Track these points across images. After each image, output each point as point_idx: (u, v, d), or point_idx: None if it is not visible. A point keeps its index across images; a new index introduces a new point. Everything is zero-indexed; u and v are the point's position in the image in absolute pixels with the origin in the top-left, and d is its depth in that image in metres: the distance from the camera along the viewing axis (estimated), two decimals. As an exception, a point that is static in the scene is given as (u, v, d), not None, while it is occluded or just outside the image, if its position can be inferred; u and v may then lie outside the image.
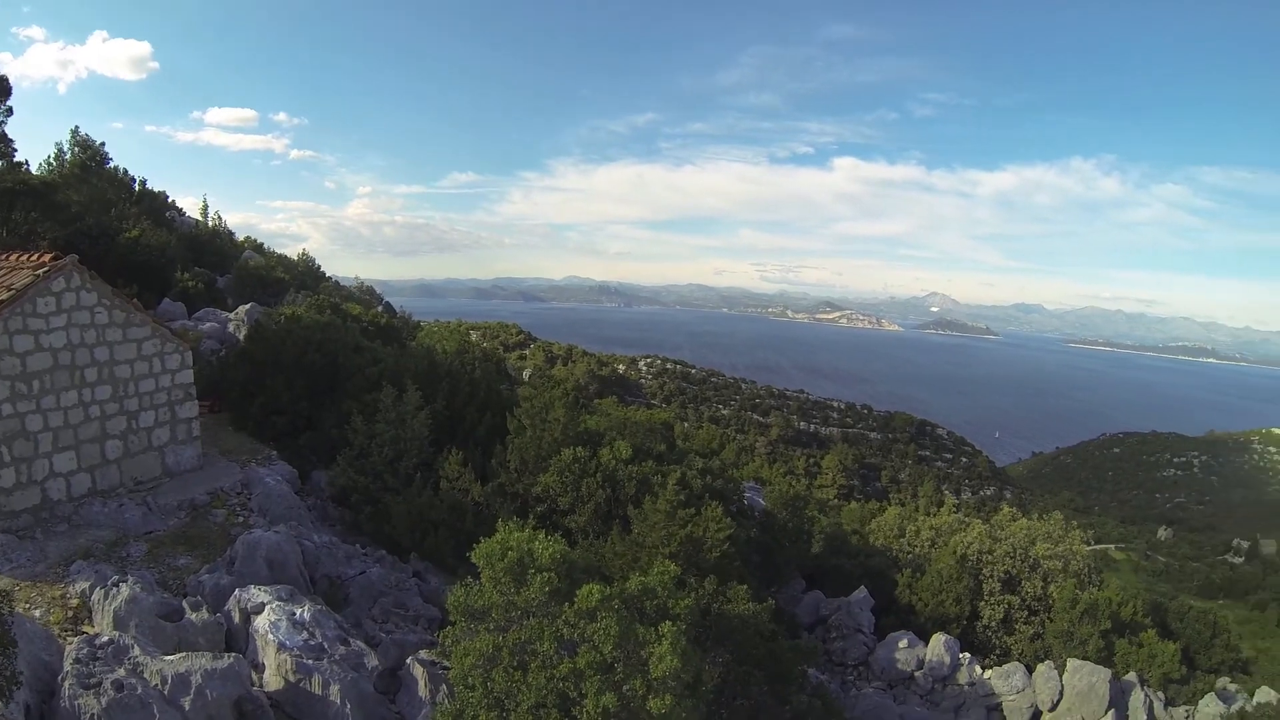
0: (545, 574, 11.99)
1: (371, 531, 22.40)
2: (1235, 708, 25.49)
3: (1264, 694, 27.52)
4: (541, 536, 13.05)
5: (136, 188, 52.27)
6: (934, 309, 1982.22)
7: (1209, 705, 26.44)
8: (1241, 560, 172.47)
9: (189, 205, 63.39)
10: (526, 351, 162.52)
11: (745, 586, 18.82)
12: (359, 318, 39.34)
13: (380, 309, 57.21)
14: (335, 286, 59.55)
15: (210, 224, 59.20)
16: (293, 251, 62.22)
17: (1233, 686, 30.14)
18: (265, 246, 61.40)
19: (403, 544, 21.85)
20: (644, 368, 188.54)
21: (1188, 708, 27.01)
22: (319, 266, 61.37)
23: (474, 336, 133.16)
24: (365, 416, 24.04)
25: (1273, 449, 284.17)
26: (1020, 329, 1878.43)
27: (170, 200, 56.91)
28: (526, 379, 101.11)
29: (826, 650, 26.76)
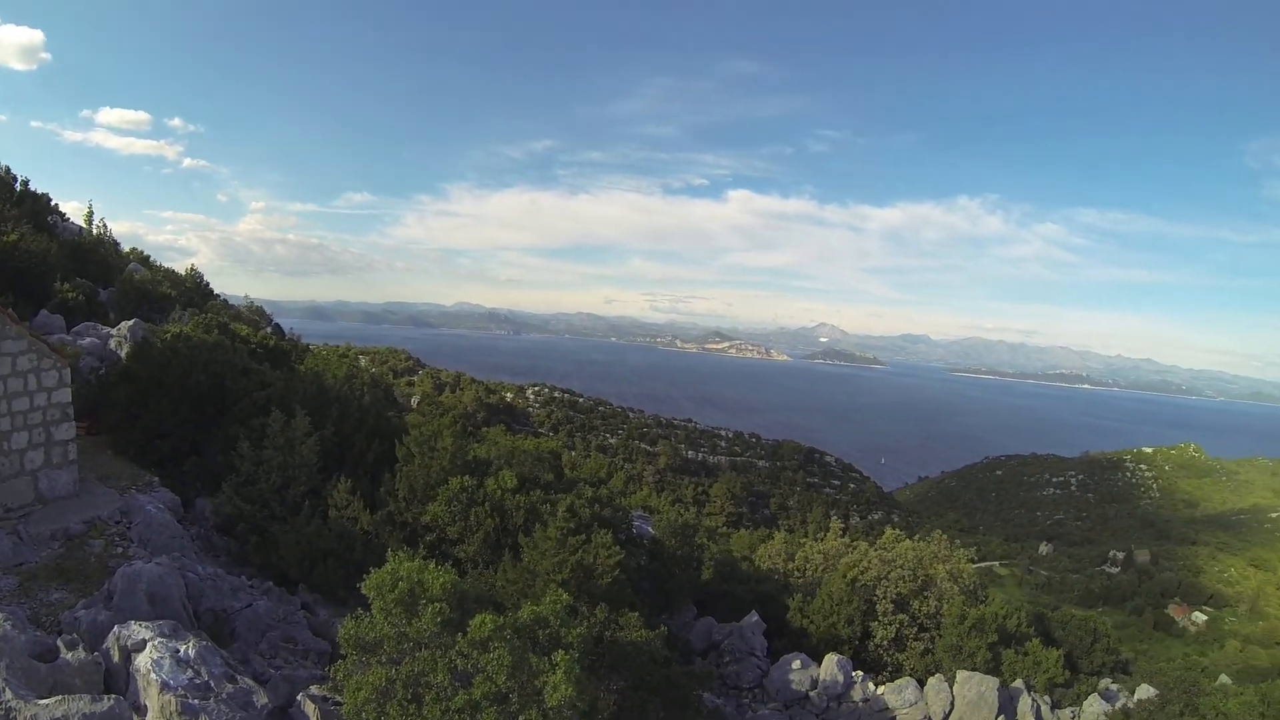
0: (437, 604, 11.72)
1: (258, 562, 21.44)
2: (1118, 705, 26.73)
3: (1143, 691, 28.98)
4: (432, 566, 12.79)
5: (18, 188, 50.12)
6: (823, 339, 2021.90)
7: (1093, 705, 27.70)
8: (1118, 570, 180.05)
9: (73, 210, 60.98)
10: (415, 378, 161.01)
11: (637, 614, 18.74)
12: (247, 339, 38.39)
13: (269, 330, 55.80)
14: (224, 305, 57.85)
15: (95, 232, 56.78)
16: (181, 266, 60.05)
17: (1114, 686, 31.64)
18: (152, 259, 59.17)
19: (291, 575, 21.01)
20: (532, 396, 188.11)
21: (1073, 709, 28.20)
22: (207, 283, 59.48)
23: (363, 361, 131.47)
24: (252, 442, 23.25)
25: (1144, 466, 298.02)
26: (907, 359, 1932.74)
27: (53, 204, 54.52)
28: (415, 406, 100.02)
29: (721, 674, 26.81)
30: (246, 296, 68.62)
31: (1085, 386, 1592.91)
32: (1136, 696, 28.55)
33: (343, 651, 12.10)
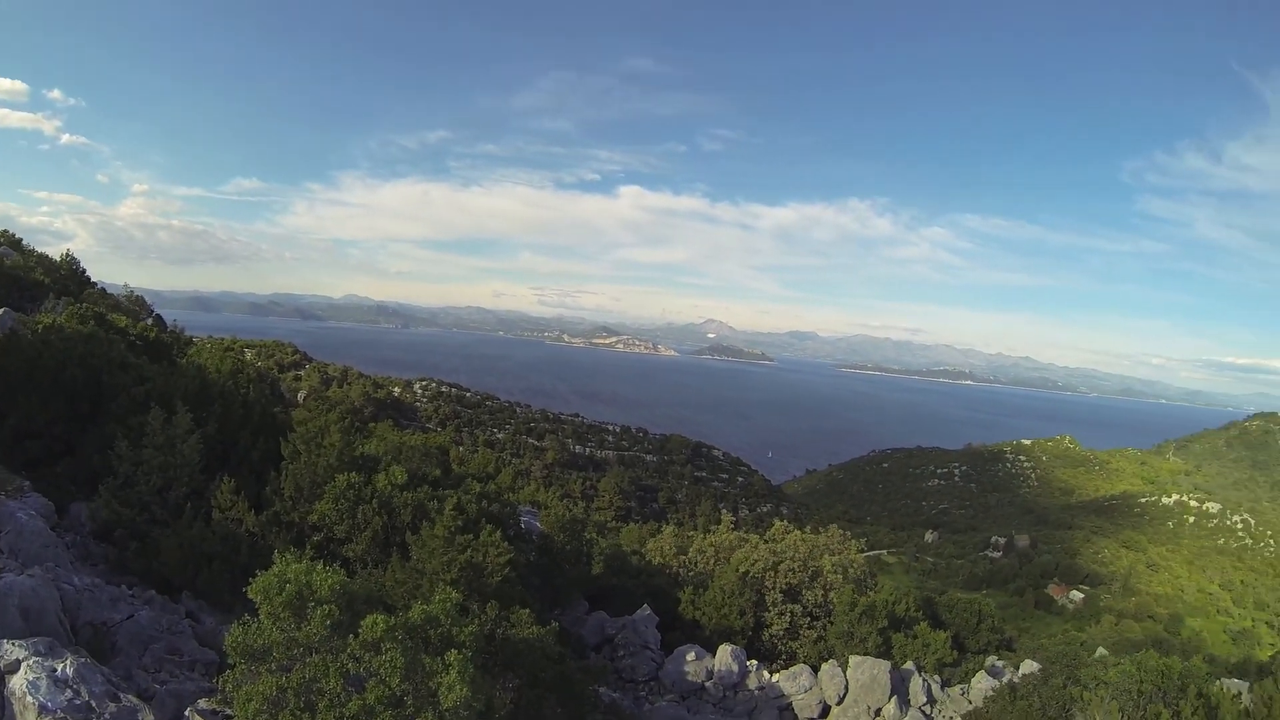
0: (326, 606, 11.24)
1: (139, 569, 20.28)
2: (1004, 680, 27.18)
3: (1027, 666, 29.59)
4: (320, 567, 12.33)
5: None
6: (711, 335, 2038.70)
7: (980, 681, 28.23)
8: (1000, 555, 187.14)
9: (-64, 190, 57.85)
10: (302, 372, 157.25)
11: (528, 610, 18.52)
12: (126, 331, 37.07)
13: (150, 322, 53.88)
14: (102, 294, 55.42)
15: (-38, 213, 53.79)
16: (56, 251, 57.13)
17: (1000, 663, 32.30)
18: (24, 243, 56.46)
19: (174, 582, 19.81)
20: (419, 390, 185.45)
21: (962, 686, 28.85)
22: (84, 271, 56.98)
23: (249, 355, 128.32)
24: (131, 441, 22.16)
25: (1023, 457, 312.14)
26: (795, 355, 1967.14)
27: (-89, 181, 51.24)
28: (302, 401, 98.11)
29: (616, 668, 26.69)
30: (126, 285, 66.20)
31: (968, 383, 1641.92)
32: (1021, 671, 29.02)
33: (231, 661, 11.36)
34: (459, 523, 21.72)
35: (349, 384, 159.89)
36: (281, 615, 11.29)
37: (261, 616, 11.42)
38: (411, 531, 21.94)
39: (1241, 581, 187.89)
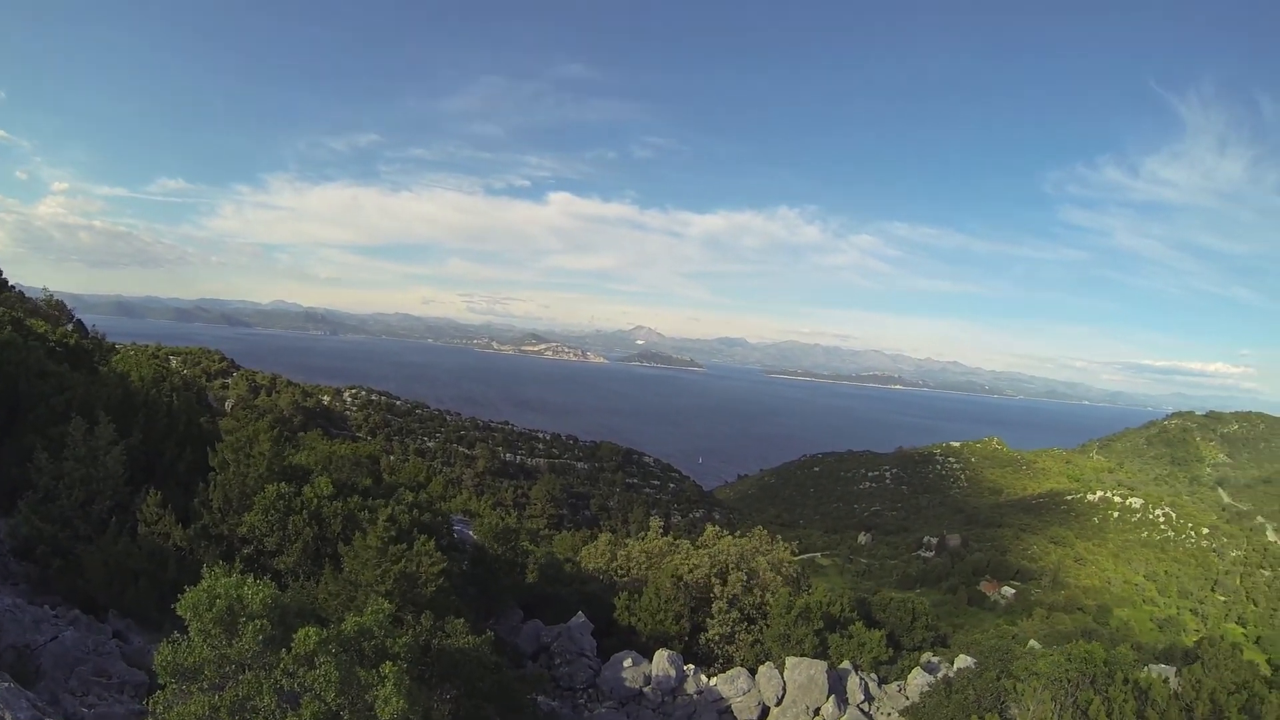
0: (258, 621, 10.91)
1: (63, 588, 19.61)
2: (939, 675, 27.70)
3: (962, 660, 30.37)
4: (250, 581, 12.05)
5: None
6: (640, 342, 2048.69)
7: (916, 677, 28.71)
8: (932, 554, 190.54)
9: None
10: (230, 380, 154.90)
11: (463, 620, 18.35)
12: (45, 337, 36.21)
13: (70, 328, 52.72)
14: (19, 298, 54.29)
15: None
16: None
17: (935, 659, 32.70)
18: None
19: (99, 600, 19.26)
20: (349, 399, 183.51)
21: (899, 682, 29.24)
22: (1, 273, 56.00)
23: (174, 363, 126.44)
24: (51, 453, 21.58)
25: (952, 459, 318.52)
26: (724, 361, 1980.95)
27: None
28: (230, 410, 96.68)
29: (553, 677, 26.49)
30: (45, 289, 65.14)
31: (897, 387, 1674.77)
32: (956, 666, 29.73)
33: (161, 681, 10.91)
34: (392, 533, 21.42)
35: (278, 392, 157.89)
36: (212, 632, 10.94)
37: (191, 634, 11.03)
38: (344, 542, 21.57)
39: (1165, 572, 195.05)
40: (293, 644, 10.84)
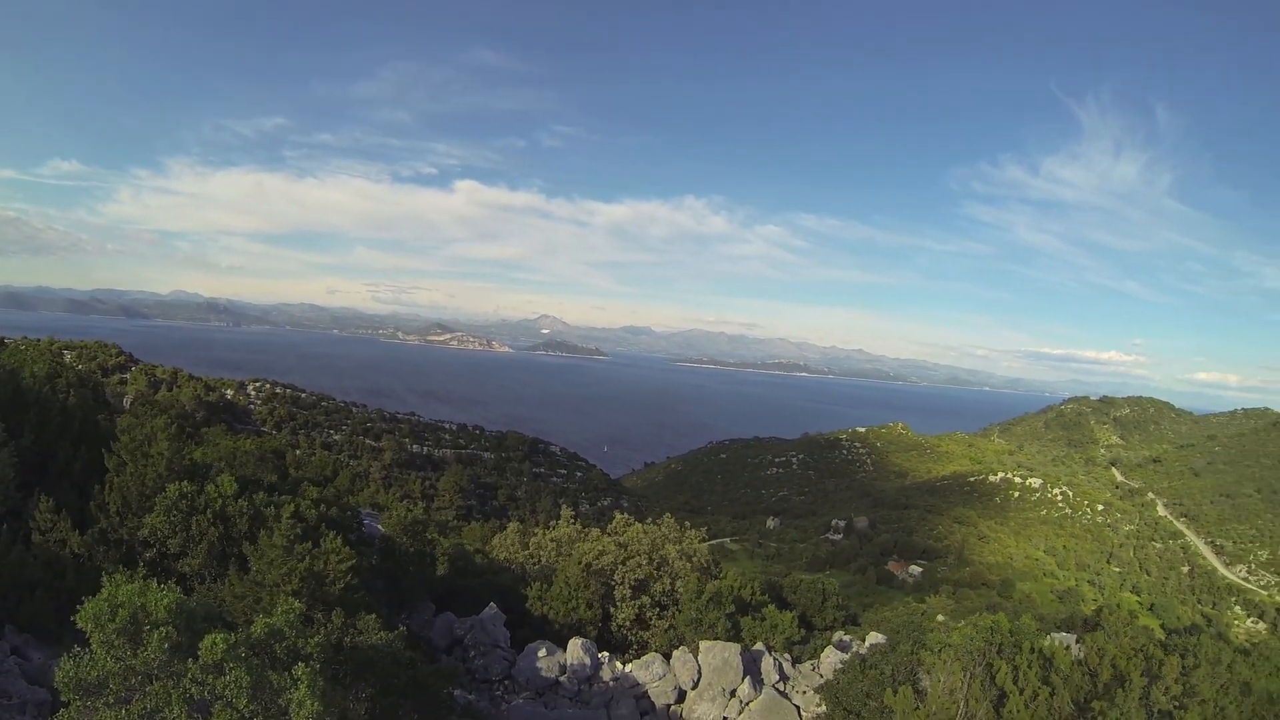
0: (163, 629, 10.51)
1: None
2: (853, 652, 28.13)
3: (874, 637, 30.97)
4: (154, 586, 11.61)
5: None
6: (545, 331, 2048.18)
7: (830, 656, 29.02)
8: (840, 537, 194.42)
9: None
10: (128, 375, 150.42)
11: (375, 616, 18.00)
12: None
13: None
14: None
15: None
16: None
17: (848, 637, 33.07)
18: None
19: None
20: (253, 392, 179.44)
21: (813, 661, 29.57)
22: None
23: (68, 357, 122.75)
24: (-67, 460, 20.87)
25: (858, 444, 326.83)
26: (630, 349, 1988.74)
27: None
28: (128, 407, 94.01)
29: (468, 670, 26.27)
30: (-74, 280, 62.38)
31: (803, 374, 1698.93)
32: (868, 643, 30.28)
33: (65, 698, 10.39)
34: (298, 530, 20.91)
35: (179, 387, 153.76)
36: (115, 643, 10.50)
37: (93, 646, 10.56)
38: (249, 541, 20.96)
39: (1064, 547, 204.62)
40: (201, 651, 10.48)
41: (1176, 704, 20.92)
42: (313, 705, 10.57)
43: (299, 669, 11.05)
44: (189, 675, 10.37)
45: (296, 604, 13.76)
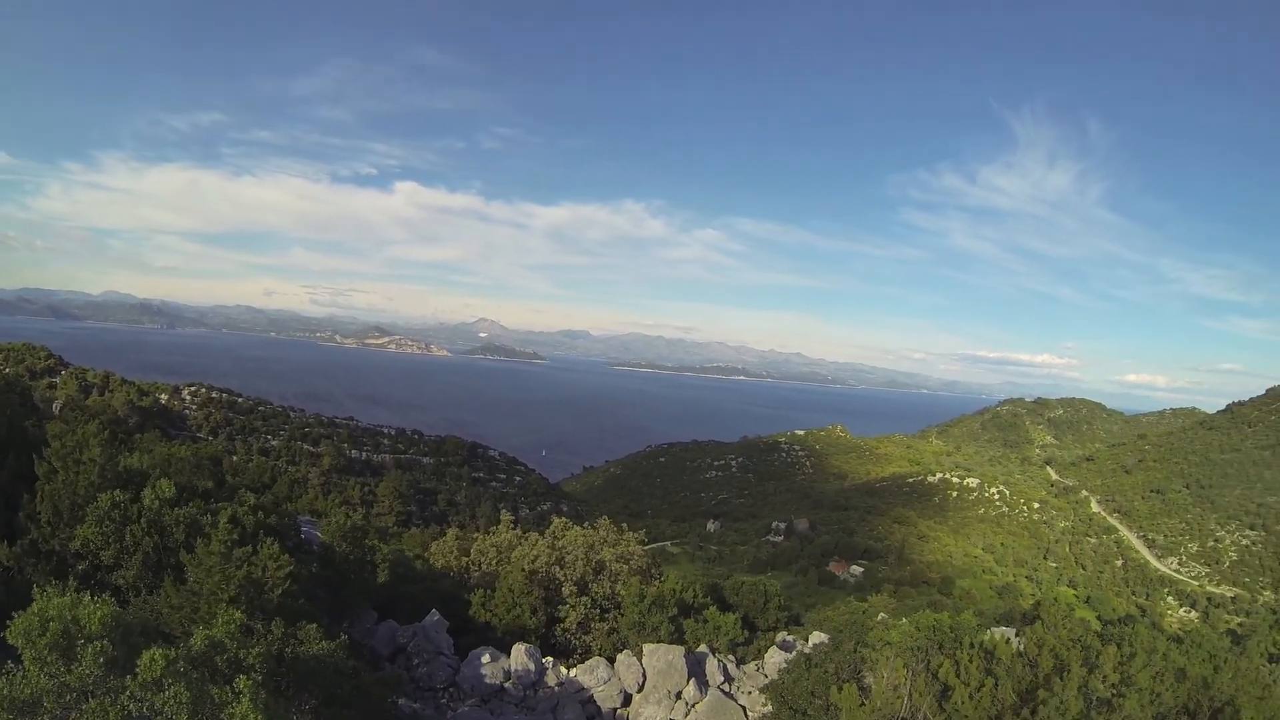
0: (98, 644, 10.12)
1: None
2: (796, 652, 28.38)
3: (816, 637, 31.65)
4: (87, 599, 11.21)
5: None
6: (483, 335, 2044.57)
7: (773, 656, 29.54)
8: (781, 538, 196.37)
9: None
10: (58, 379, 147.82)
11: (316, 625, 17.66)
12: None
13: None
14: None
15: None
16: None
17: (791, 637, 33.68)
18: None
19: None
20: (188, 397, 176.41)
21: (757, 662, 30.04)
22: None
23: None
24: None
25: (797, 447, 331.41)
26: (568, 353, 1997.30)
27: None
28: (58, 412, 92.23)
29: (412, 678, 25.97)
30: None
31: (741, 378, 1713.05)
32: (811, 642, 30.73)
33: None
34: (235, 537, 20.43)
35: (111, 391, 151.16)
36: (48, 659, 10.10)
37: (26, 663, 10.15)
38: (186, 551, 20.45)
39: (1002, 544, 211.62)
40: (139, 666, 10.14)
41: (1115, 692, 21.43)
42: (255, 718, 10.28)
43: (240, 682, 10.76)
44: (127, 692, 10.01)
45: (237, 614, 13.46)
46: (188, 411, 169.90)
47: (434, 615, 29.04)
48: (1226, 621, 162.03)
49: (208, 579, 19.03)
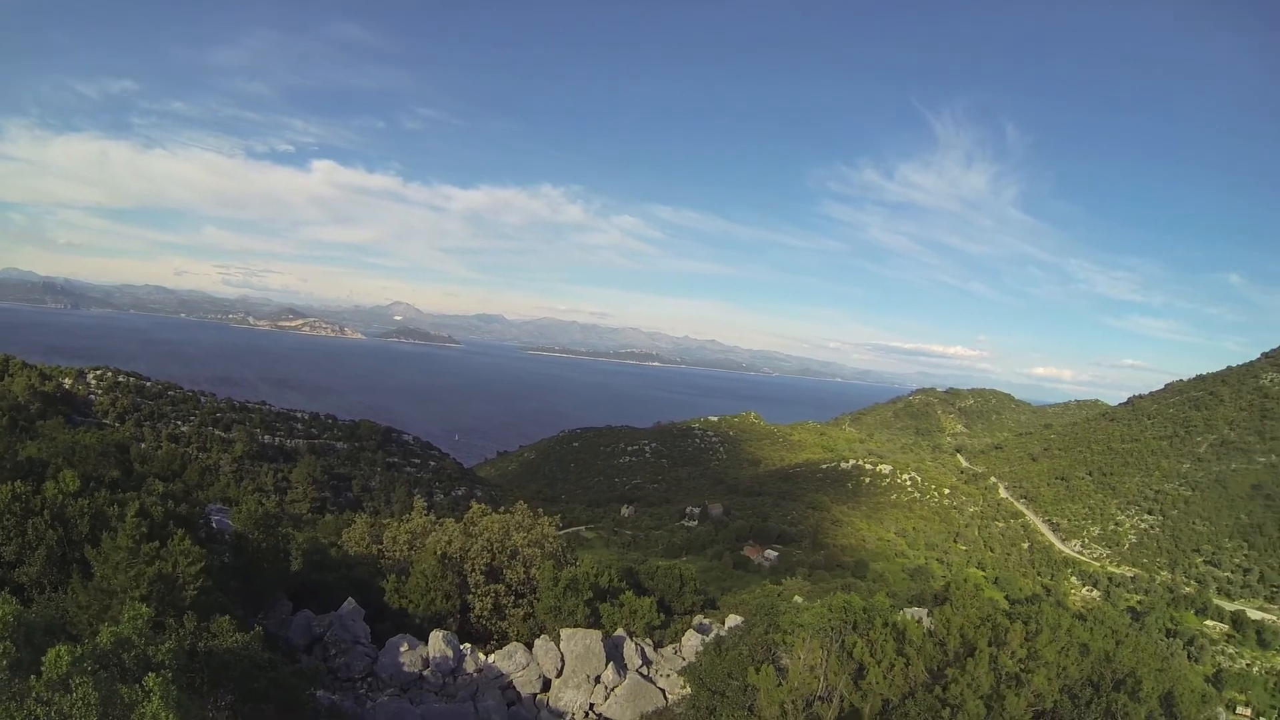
0: (0, 645, 9.90)
1: None
2: (711, 635, 28.76)
3: (732, 620, 32.68)
4: (-12, 598, 10.87)
5: None
6: (398, 318, 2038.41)
7: (690, 639, 30.14)
8: (696, 523, 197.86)
9: None
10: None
11: (229, 617, 17.21)
12: None
13: None
14: None
15: None
16: None
17: (707, 621, 34.61)
18: None
19: None
20: (94, 381, 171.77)
21: (674, 645, 30.56)
22: None
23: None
24: None
25: (711, 433, 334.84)
26: (482, 338, 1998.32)
27: None
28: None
29: (330, 669, 25.53)
30: None
31: (655, 364, 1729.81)
32: (727, 625, 31.53)
33: None
34: (144, 529, 19.87)
35: (11, 376, 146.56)
36: (-53, 661, 9.73)
37: (-77, 666, 9.79)
38: (92, 544, 19.84)
39: (913, 528, 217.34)
40: (44, 666, 9.77)
41: (1023, 666, 22.23)
42: (168, 717, 9.95)
43: (151, 680, 10.44)
44: (32, 694, 9.67)
45: (145, 609, 13.02)
46: (93, 397, 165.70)
47: (350, 604, 28.67)
48: (1126, 600, 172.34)
49: (116, 574, 18.46)
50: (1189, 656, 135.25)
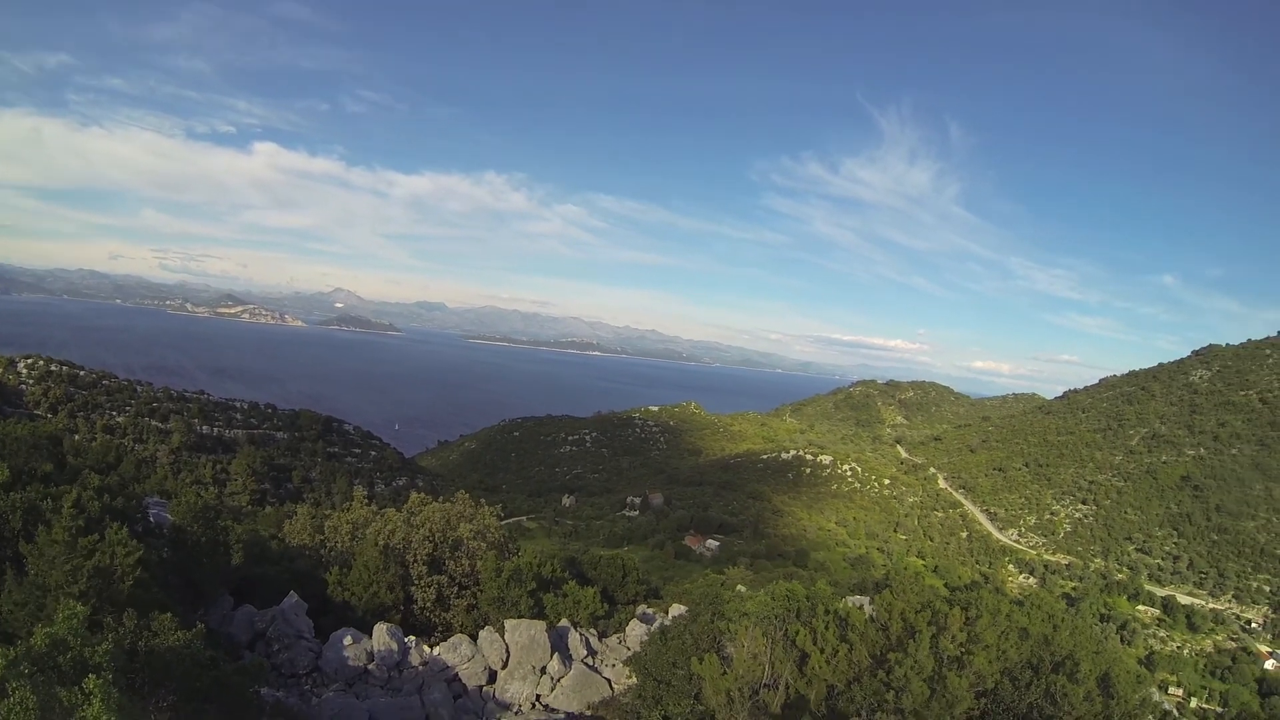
0: None
1: None
2: (655, 625, 29.08)
3: (676, 609, 33.36)
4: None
5: None
6: (339, 305, 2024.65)
7: (634, 629, 30.48)
8: (637, 513, 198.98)
9: None
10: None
11: (170, 614, 16.91)
12: None
13: None
14: None
15: None
16: None
17: (650, 610, 35.15)
18: None
19: None
20: (24, 371, 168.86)
21: (619, 635, 30.86)
22: None
23: None
24: None
25: (652, 423, 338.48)
26: (423, 325, 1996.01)
27: None
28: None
29: (274, 664, 25.20)
30: None
31: (596, 354, 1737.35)
32: (671, 614, 31.81)
33: None
34: (80, 523, 19.38)
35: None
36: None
37: None
38: (25, 540, 19.34)
39: (854, 518, 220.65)
40: (-23, 670, 9.43)
41: (964, 649, 22.71)
42: (108, 720, 9.65)
43: (90, 681, 10.19)
44: (-34, 700, 9.30)
45: (79, 607, 12.67)
46: (24, 386, 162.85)
47: (292, 597, 28.33)
48: (1062, 586, 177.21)
49: (52, 570, 18.01)
50: (1122, 640, 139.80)
